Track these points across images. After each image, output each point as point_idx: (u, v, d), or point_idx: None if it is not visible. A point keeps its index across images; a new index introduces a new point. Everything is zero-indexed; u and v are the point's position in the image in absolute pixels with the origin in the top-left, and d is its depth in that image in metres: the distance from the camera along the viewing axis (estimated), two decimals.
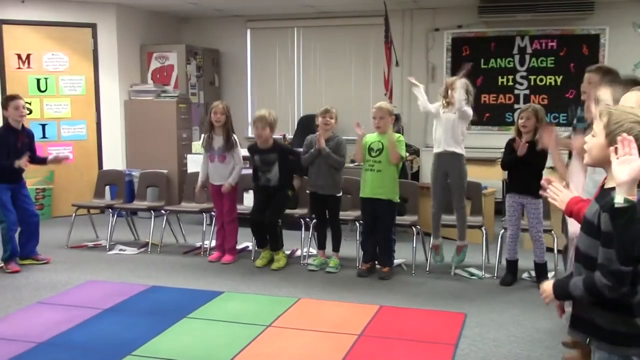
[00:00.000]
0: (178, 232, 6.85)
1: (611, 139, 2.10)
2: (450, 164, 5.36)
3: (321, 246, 5.91)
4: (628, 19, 7.84)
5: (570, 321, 2.31)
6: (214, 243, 6.26)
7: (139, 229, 7.02)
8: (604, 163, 2.16)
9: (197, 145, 7.69)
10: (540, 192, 2.58)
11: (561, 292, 2.23)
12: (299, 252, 6.20)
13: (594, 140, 2.17)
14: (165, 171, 7.43)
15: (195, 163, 7.17)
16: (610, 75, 3.67)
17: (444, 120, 5.35)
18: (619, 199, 1.92)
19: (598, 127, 2.16)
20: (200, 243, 6.51)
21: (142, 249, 6.50)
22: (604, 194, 2.11)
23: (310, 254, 6.07)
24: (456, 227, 5.54)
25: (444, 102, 5.40)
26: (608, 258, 2.01)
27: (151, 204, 6.87)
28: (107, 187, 7.14)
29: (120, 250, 6.47)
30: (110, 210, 6.77)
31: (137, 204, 6.98)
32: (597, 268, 2.05)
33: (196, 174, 6.76)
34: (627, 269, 1.98)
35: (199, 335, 4.18)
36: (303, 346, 4.02)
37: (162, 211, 6.67)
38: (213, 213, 6.30)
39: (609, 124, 2.11)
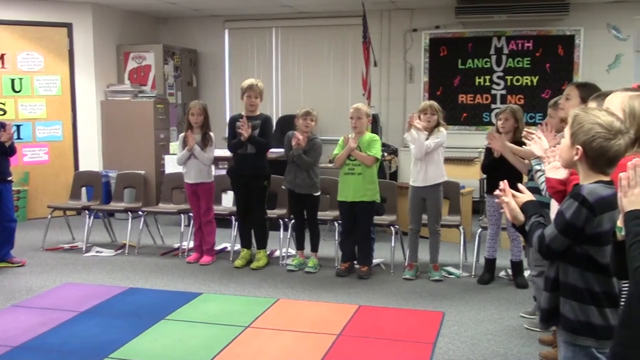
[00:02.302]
0: (156, 234, 6.80)
1: (574, 139, 2.17)
2: (427, 192, 5.43)
3: (300, 246, 5.91)
4: (602, 21, 7.94)
5: (540, 314, 2.38)
6: (192, 244, 6.23)
7: (116, 230, 6.96)
8: (570, 164, 2.24)
9: (174, 146, 7.64)
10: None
11: (525, 218, 2.35)
12: (277, 253, 6.19)
13: (563, 142, 2.25)
14: (142, 172, 7.37)
15: (172, 164, 7.12)
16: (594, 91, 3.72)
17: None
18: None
19: (567, 129, 2.24)
20: (178, 244, 6.47)
21: (119, 251, 6.44)
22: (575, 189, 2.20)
23: (289, 254, 6.06)
24: (430, 248, 5.56)
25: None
26: (550, 233, 2.19)
27: (128, 205, 6.81)
28: (84, 189, 7.06)
29: (97, 252, 6.40)
30: (86, 211, 6.71)
31: (114, 205, 6.91)
32: (545, 228, 2.23)
33: (174, 175, 6.75)
34: (554, 250, 2.19)
35: (177, 337, 4.16)
36: (282, 346, 4.01)
37: (140, 212, 6.62)
38: (191, 214, 6.27)
39: (573, 125, 2.18)
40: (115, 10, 8.62)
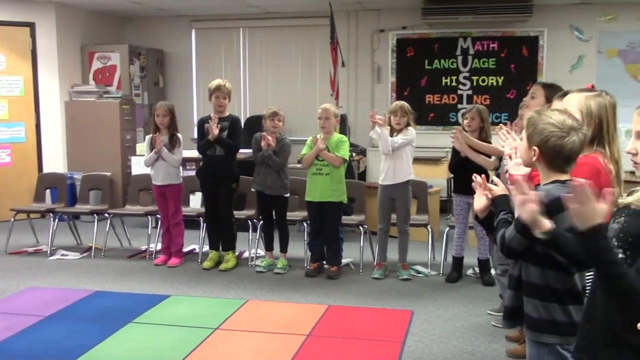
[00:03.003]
0: (122, 236, 6.71)
1: (530, 140, 2.23)
2: (397, 191, 5.45)
3: (269, 247, 5.89)
4: (565, 22, 8.09)
5: (503, 313, 2.42)
6: (159, 246, 6.16)
7: (81, 233, 6.85)
8: (529, 164, 2.29)
9: (141, 147, 7.55)
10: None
11: (494, 213, 2.38)
12: (246, 254, 6.16)
13: (521, 143, 2.31)
14: (108, 174, 7.27)
15: (139, 165, 7.04)
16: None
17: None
18: (539, 235, 2.03)
19: (524, 130, 2.28)
20: (146, 246, 6.39)
21: (85, 254, 6.34)
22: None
23: (257, 255, 6.04)
24: (399, 247, 5.59)
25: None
26: (510, 234, 2.21)
27: (94, 208, 6.71)
28: (48, 191, 6.94)
29: (62, 255, 6.30)
30: (51, 214, 6.59)
31: (79, 207, 6.81)
32: (506, 229, 2.25)
33: (141, 176, 6.68)
34: (514, 249, 2.21)
35: (145, 340, 4.11)
36: (251, 348, 4.00)
37: (106, 214, 6.52)
38: (158, 216, 6.20)
39: (528, 126, 2.23)
40: (79, 10, 8.49)
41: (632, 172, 1.86)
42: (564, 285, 2.22)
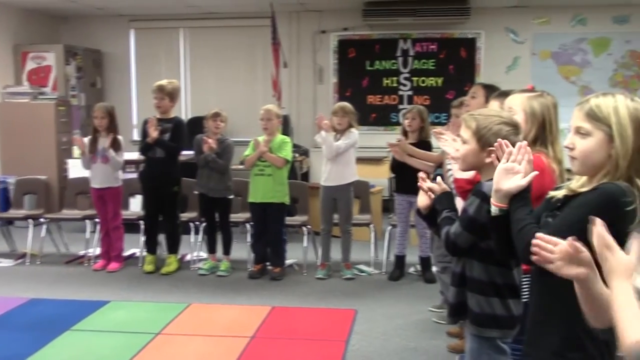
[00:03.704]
0: (59, 241, 6.51)
1: (483, 143, 2.23)
2: (338, 192, 5.47)
3: (211, 250, 5.83)
4: (501, 25, 8.31)
5: (448, 309, 2.46)
6: (98, 251, 6.01)
7: (16, 239, 6.60)
8: (479, 167, 2.30)
9: (78, 150, 7.35)
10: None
11: (436, 211, 2.42)
12: (189, 257, 6.08)
13: (467, 147, 2.29)
14: (44, 177, 7.05)
15: (76, 168, 6.84)
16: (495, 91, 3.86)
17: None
18: (494, 210, 1.98)
19: (467, 133, 2.28)
20: (84, 251, 6.22)
21: (20, 260, 6.12)
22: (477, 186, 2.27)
23: (200, 258, 5.97)
24: (342, 247, 5.61)
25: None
26: (455, 230, 2.27)
27: (29, 212, 6.49)
28: None
29: None
30: None
31: (13, 212, 6.58)
32: (450, 228, 2.30)
33: (78, 179, 6.53)
34: (460, 246, 2.28)
35: (84, 348, 4.00)
36: (194, 352, 3.95)
37: (42, 219, 6.32)
38: (97, 220, 6.05)
39: (478, 129, 2.24)
40: (11, 8, 8.20)
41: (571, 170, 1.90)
42: (504, 279, 2.28)
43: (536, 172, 1.95)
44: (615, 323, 1.36)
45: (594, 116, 1.75)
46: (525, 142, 1.97)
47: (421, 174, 2.50)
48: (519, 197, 1.90)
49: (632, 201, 1.66)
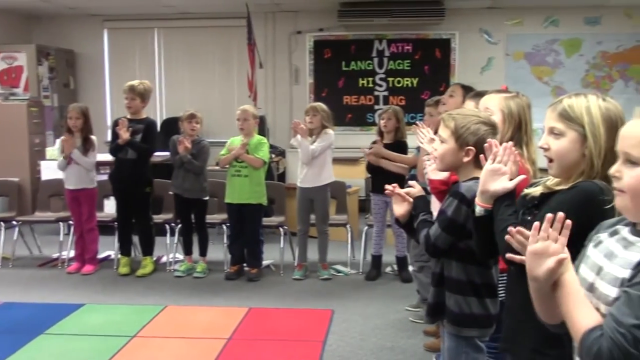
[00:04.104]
0: (32, 244, 6.42)
1: (461, 142, 2.24)
2: (315, 193, 5.47)
3: (188, 251, 5.79)
4: (475, 25, 8.39)
5: (426, 309, 2.47)
6: (72, 253, 5.94)
7: None
8: (457, 166, 2.30)
9: (51, 151, 7.26)
10: None
11: (415, 215, 2.43)
12: (164, 259, 6.03)
13: (445, 146, 2.29)
14: (16, 179, 6.94)
15: (50, 170, 6.75)
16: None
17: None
18: (479, 210, 1.99)
19: (445, 133, 2.29)
20: (58, 254, 6.13)
21: None
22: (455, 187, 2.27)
23: (176, 259, 5.93)
24: (318, 247, 5.61)
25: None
26: (435, 232, 2.29)
27: (1, 215, 6.38)
28: None
29: None
30: None
31: None
32: (430, 228, 2.32)
33: (51, 181, 6.44)
34: (439, 247, 2.30)
35: (58, 352, 3.95)
36: (170, 355, 3.92)
37: (14, 222, 6.23)
38: (71, 222, 5.97)
39: (457, 129, 2.25)
40: None
41: (546, 170, 1.92)
42: (482, 279, 2.30)
43: (524, 176, 1.97)
44: (565, 314, 1.38)
45: (567, 116, 1.78)
46: (511, 143, 1.98)
47: (388, 187, 2.48)
48: (504, 198, 1.92)
49: (610, 200, 1.69)
